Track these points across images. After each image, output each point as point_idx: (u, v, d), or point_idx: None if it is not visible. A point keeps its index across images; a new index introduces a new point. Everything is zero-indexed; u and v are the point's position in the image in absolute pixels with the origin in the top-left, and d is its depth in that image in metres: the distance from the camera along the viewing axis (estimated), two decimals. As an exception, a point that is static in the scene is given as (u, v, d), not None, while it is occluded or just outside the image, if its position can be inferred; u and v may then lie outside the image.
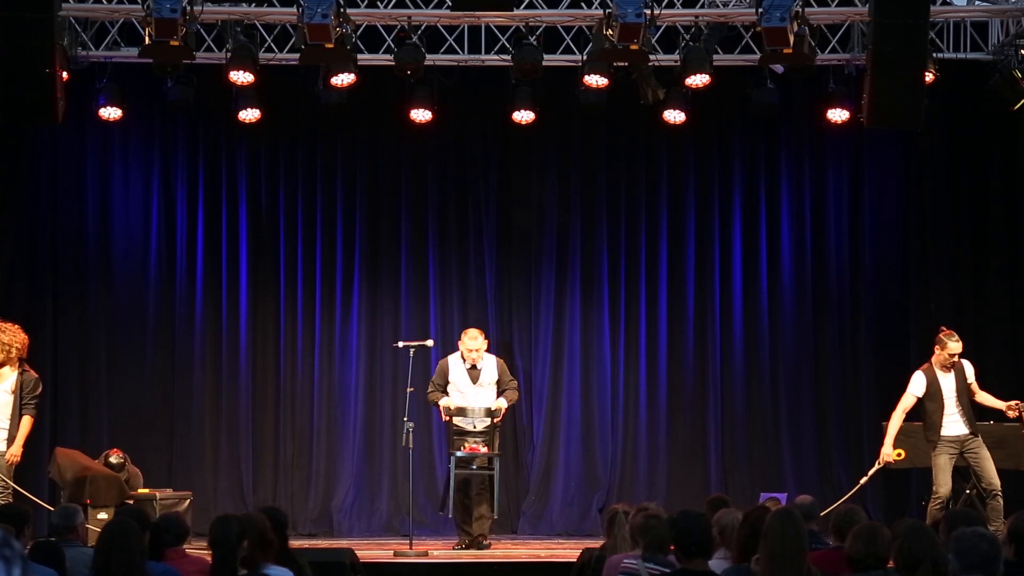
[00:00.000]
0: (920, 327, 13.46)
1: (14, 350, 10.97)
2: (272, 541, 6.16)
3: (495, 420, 11.51)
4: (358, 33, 12.13)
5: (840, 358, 13.67)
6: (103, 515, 10.95)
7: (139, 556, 5.85)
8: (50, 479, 12.05)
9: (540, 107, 12.65)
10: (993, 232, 13.50)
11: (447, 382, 11.64)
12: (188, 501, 11.95)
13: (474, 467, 11.43)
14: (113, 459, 11.91)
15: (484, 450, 11.36)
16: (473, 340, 11.62)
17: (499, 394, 11.67)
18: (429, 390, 11.72)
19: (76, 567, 6.36)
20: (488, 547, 11.59)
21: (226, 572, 5.88)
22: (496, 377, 11.68)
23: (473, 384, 11.60)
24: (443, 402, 11.55)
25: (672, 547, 6.10)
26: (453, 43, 12.42)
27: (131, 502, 11.19)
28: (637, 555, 6.31)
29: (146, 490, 11.87)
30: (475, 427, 11.37)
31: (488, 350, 11.80)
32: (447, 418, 11.56)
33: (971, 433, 11.05)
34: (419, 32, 11.94)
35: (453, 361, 11.71)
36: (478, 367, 11.62)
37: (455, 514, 11.56)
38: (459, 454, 11.37)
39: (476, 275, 13.68)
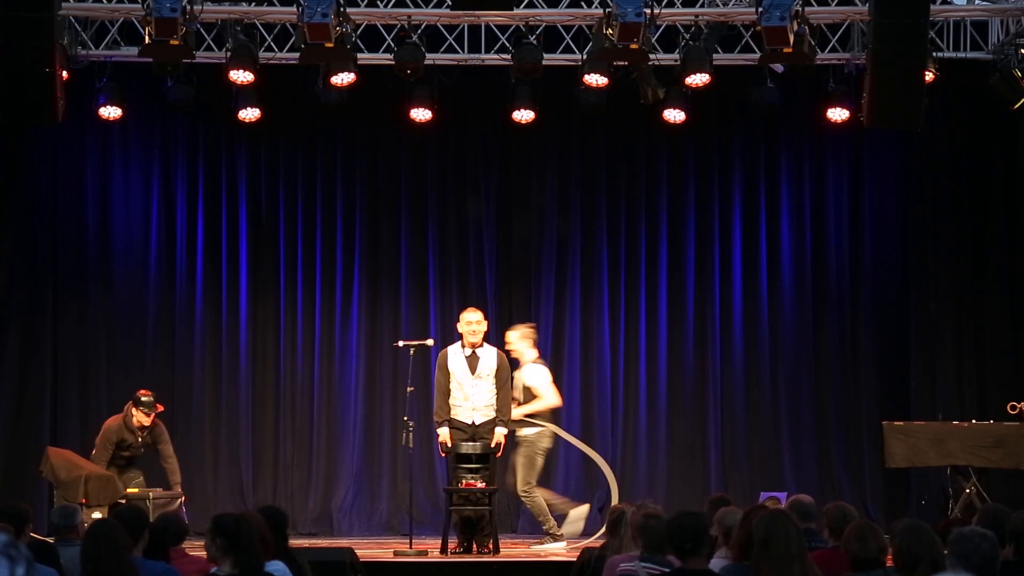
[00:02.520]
0: (920, 327, 13.47)
1: None
2: (269, 541, 6.15)
3: (496, 455, 11.36)
4: (358, 32, 12.13)
5: (840, 358, 13.67)
6: (97, 514, 10.92)
7: (127, 553, 5.83)
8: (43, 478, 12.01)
9: (540, 106, 12.65)
10: (993, 232, 13.49)
11: (449, 375, 11.39)
12: (179, 500, 11.92)
13: (471, 504, 11.19)
14: (144, 398, 11.68)
15: (481, 485, 11.16)
16: (472, 313, 11.44)
17: (498, 387, 11.35)
18: (435, 391, 11.48)
19: (74, 566, 6.36)
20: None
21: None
22: (495, 368, 11.37)
23: (472, 375, 11.32)
24: (442, 436, 11.38)
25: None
26: (453, 42, 12.42)
27: (123, 501, 11.16)
28: (635, 556, 6.30)
29: (135, 489, 11.82)
30: (473, 460, 11.19)
31: (489, 342, 11.64)
32: (444, 454, 11.50)
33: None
34: (419, 31, 11.94)
35: (452, 352, 11.46)
36: (477, 354, 11.35)
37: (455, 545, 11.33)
38: (457, 489, 11.18)
39: (476, 274, 13.67)
